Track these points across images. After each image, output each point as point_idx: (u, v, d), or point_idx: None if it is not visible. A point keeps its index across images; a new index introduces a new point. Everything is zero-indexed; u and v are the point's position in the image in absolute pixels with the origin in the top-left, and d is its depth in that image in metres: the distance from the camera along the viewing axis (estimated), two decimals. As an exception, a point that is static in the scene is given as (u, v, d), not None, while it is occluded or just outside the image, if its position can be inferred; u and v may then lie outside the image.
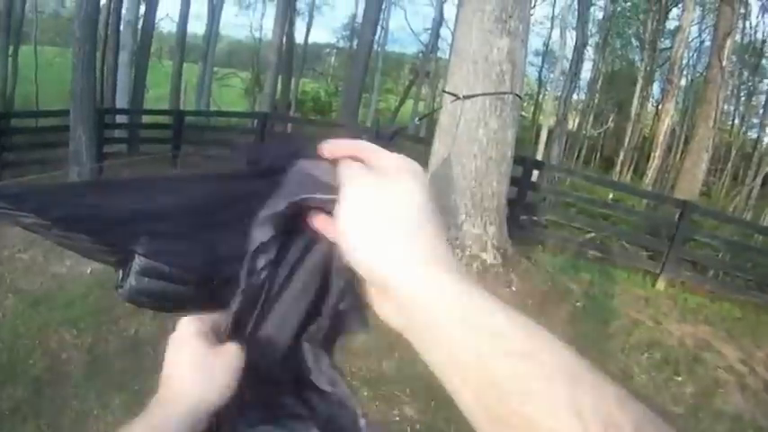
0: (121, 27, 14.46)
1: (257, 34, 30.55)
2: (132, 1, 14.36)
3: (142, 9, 15.32)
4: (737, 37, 19.23)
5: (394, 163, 0.58)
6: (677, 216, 8.19)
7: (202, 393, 0.69)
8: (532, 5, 27.26)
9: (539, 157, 13.38)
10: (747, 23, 21.85)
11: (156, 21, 18.11)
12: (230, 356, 0.71)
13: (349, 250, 0.54)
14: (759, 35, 23.55)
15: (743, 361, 6.07)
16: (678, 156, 17.07)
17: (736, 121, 25.78)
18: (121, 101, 13.90)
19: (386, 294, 0.53)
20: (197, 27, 54.61)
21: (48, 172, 7.90)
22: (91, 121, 8.99)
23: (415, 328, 0.50)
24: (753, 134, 25.23)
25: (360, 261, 0.53)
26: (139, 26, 15.07)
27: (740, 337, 6.72)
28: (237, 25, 63.60)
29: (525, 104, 30.73)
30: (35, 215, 2.22)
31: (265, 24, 30.38)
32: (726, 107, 21.99)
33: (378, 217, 0.53)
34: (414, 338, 0.51)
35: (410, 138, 12.30)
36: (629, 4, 25.72)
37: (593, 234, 9.37)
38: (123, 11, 14.56)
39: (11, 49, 17.03)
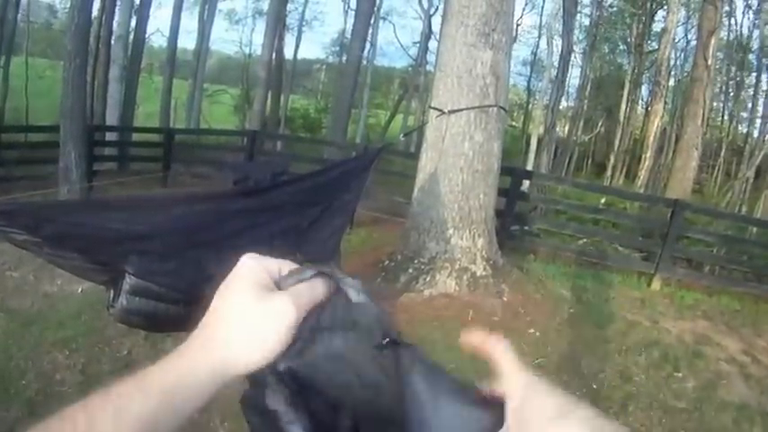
0: (112, 41, 14.44)
1: (247, 50, 30.67)
2: (124, 14, 14.41)
3: (133, 23, 15.33)
4: (723, 34, 19.47)
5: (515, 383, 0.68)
6: (669, 215, 8.25)
7: (247, 350, 0.61)
8: (519, 15, 27.68)
9: (529, 166, 13.48)
10: (732, 20, 22.06)
11: (147, 35, 18.08)
12: (285, 310, 0.62)
13: None
14: (744, 30, 23.73)
15: (744, 351, 6.14)
16: (669, 156, 17.16)
17: (726, 117, 25.97)
18: (112, 117, 13.88)
19: None
20: (187, 42, 54.65)
21: (37, 189, 7.90)
22: (81, 138, 8.93)
23: None
24: (743, 129, 25.42)
25: None
26: (130, 40, 15.09)
27: (740, 328, 6.81)
28: (227, 41, 63.61)
29: (515, 114, 30.90)
30: (27, 232, 2.28)
31: (255, 40, 30.45)
32: (715, 104, 22.17)
33: None
34: None
35: (400, 153, 12.36)
36: (614, 8, 25.94)
37: (585, 240, 9.45)
38: (114, 24, 14.54)
39: (2, 59, 16.98)
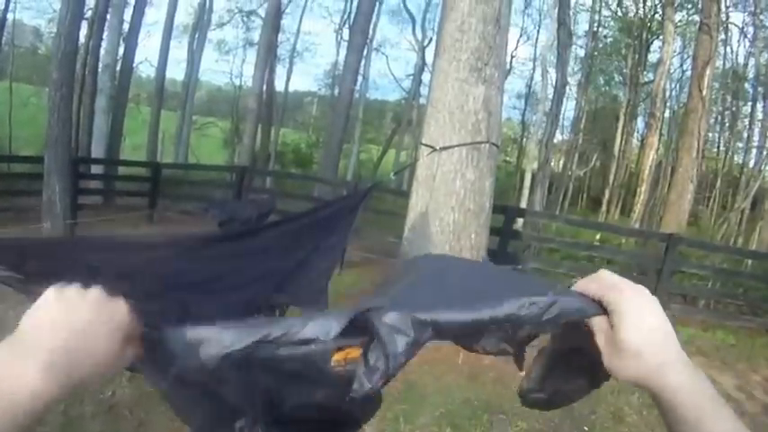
0: (99, 69, 14.33)
1: (237, 81, 30.73)
2: (112, 42, 14.30)
3: (121, 51, 15.24)
4: (719, 63, 19.57)
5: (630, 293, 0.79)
6: (663, 250, 8.22)
7: (76, 354, 0.62)
8: (514, 47, 27.95)
9: (523, 202, 13.44)
10: (728, 49, 22.21)
11: (135, 64, 17.99)
12: (119, 315, 0.68)
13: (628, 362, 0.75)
14: (740, 59, 23.88)
15: (739, 387, 6.08)
16: (665, 188, 17.20)
17: (722, 148, 26.03)
18: (98, 149, 13.69)
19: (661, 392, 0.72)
20: (176, 72, 54.80)
21: (20, 222, 7.75)
22: (65, 171, 8.79)
23: (679, 408, 0.69)
24: (739, 159, 25.42)
25: (640, 371, 0.74)
26: (118, 69, 15.00)
27: (735, 363, 6.76)
28: (217, 71, 63.76)
29: (509, 149, 30.93)
30: (9, 269, 2.13)
31: (246, 71, 30.52)
32: (711, 135, 22.27)
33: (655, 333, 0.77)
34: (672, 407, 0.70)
35: (391, 191, 12.30)
36: (609, 39, 26.21)
37: (579, 278, 9.35)
38: (102, 52, 14.38)
39: (-13, 84, 16.82)
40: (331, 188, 11.75)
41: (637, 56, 23.67)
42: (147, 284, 2.99)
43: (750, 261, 11.00)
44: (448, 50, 6.20)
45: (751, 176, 17.20)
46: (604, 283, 0.82)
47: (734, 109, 24.25)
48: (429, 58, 23.28)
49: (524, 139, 29.02)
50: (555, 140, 19.00)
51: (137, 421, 4.08)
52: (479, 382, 5.37)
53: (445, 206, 6.19)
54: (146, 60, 31.70)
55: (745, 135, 24.14)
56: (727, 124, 24.90)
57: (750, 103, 23.39)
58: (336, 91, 20.22)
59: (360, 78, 19.74)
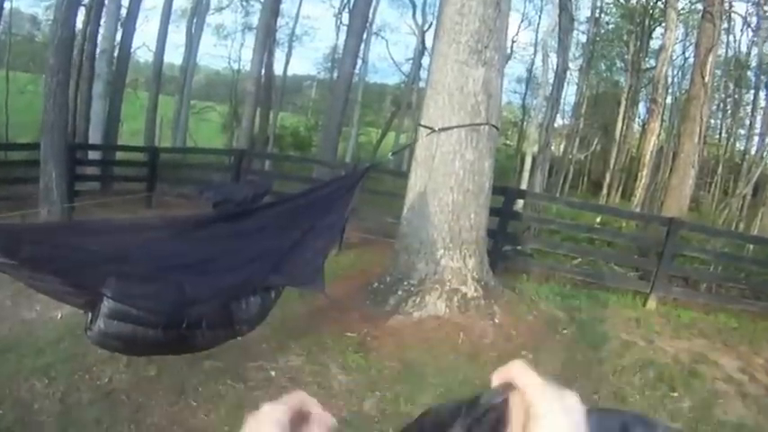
0: (97, 55, 14.19)
1: (236, 65, 30.45)
2: (109, 27, 14.14)
3: (118, 36, 15.09)
4: (722, 51, 19.46)
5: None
6: (665, 234, 8.16)
7: None
8: (515, 32, 27.81)
9: (523, 184, 13.40)
10: (731, 37, 21.98)
11: (133, 49, 17.83)
12: None
13: None
14: (743, 47, 23.67)
15: (742, 369, 6.06)
16: (666, 173, 17.12)
17: (723, 134, 25.78)
18: (95, 135, 13.54)
19: None
20: (174, 57, 54.48)
21: (16, 209, 7.73)
22: (62, 157, 8.73)
23: None
24: (741, 145, 25.20)
25: None
26: (115, 54, 14.87)
27: (737, 345, 6.74)
28: (216, 56, 63.14)
29: (510, 132, 30.82)
30: (4, 255, 2.15)
31: (244, 55, 30.22)
32: (712, 121, 22.12)
33: None
34: None
35: (390, 172, 12.26)
36: (611, 26, 26.01)
37: (579, 259, 9.35)
38: (99, 37, 14.19)
39: (-16, 72, 16.62)
40: (330, 170, 11.67)
41: (639, 42, 23.46)
42: (143, 266, 2.99)
43: (752, 246, 10.96)
44: (448, 33, 6.19)
45: (753, 163, 17.12)
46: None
47: (736, 96, 24.09)
48: (429, 42, 23.11)
49: (525, 123, 28.83)
50: (555, 124, 18.91)
51: (134, 406, 4.06)
52: (479, 362, 5.36)
53: (444, 186, 6.18)
54: (143, 45, 31.42)
55: (748, 122, 23.99)
56: (729, 111, 24.75)
57: (753, 91, 23.23)
58: (335, 75, 20.10)
59: (359, 62, 19.61)
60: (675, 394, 5.31)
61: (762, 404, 5.32)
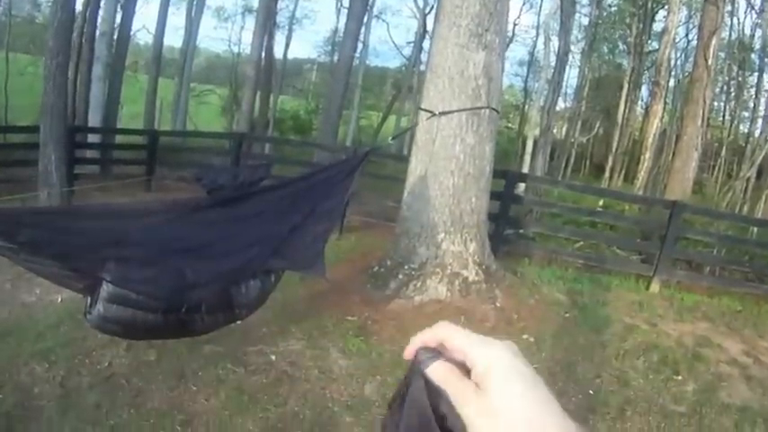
0: (96, 37, 14.10)
1: (236, 48, 30.38)
2: (109, 10, 14.07)
3: (118, 19, 14.99)
4: (725, 34, 19.30)
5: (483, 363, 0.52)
6: (667, 217, 8.11)
7: None
8: (517, 15, 27.60)
9: (525, 168, 13.35)
10: (735, 20, 21.86)
11: (132, 32, 17.73)
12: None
13: None
14: (746, 30, 23.56)
15: (746, 352, 6.05)
16: (669, 157, 17.02)
17: (727, 117, 25.70)
18: (94, 118, 13.51)
19: None
20: (174, 40, 54.13)
21: (15, 192, 7.72)
22: (62, 140, 8.71)
23: None
24: (744, 128, 25.10)
25: None
26: (115, 37, 14.78)
27: (741, 329, 6.73)
28: (216, 39, 62.96)
29: (511, 115, 30.71)
30: (3, 238, 2.13)
31: (244, 38, 30.16)
32: (716, 104, 22.01)
33: None
34: None
35: (390, 156, 12.25)
36: (614, 8, 25.79)
37: (582, 243, 9.32)
38: (99, 20, 14.12)
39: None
40: (330, 154, 11.64)
41: (641, 25, 23.27)
42: (142, 251, 2.98)
43: (756, 229, 10.87)
44: (448, 16, 6.14)
45: (757, 146, 16.98)
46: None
47: (740, 79, 23.96)
48: (430, 25, 22.93)
49: (526, 106, 28.72)
50: (557, 108, 18.81)
51: (134, 390, 4.05)
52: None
53: (445, 170, 6.15)
54: (143, 28, 31.18)
55: (751, 105, 23.84)
56: (732, 94, 24.62)
57: (756, 74, 23.10)
58: (336, 58, 19.98)
59: (360, 45, 19.51)
60: (679, 378, 5.30)
61: (766, 387, 5.31)
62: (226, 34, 52.99)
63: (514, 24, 25.95)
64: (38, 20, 25.55)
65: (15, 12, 21.93)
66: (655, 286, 7.85)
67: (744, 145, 22.11)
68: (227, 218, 3.12)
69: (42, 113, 8.66)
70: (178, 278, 2.87)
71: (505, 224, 8.42)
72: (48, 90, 8.49)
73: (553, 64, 15.58)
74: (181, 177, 10.74)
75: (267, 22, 17.50)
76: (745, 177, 14.84)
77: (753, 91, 23.68)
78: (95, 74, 13.69)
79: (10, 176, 9.32)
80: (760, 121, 20.75)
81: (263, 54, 18.75)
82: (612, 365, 5.41)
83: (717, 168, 23.07)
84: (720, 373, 5.51)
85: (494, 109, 6.30)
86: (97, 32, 14.06)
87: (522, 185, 10.22)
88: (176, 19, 51.39)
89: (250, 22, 27.56)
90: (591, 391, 4.89)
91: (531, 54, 29.51)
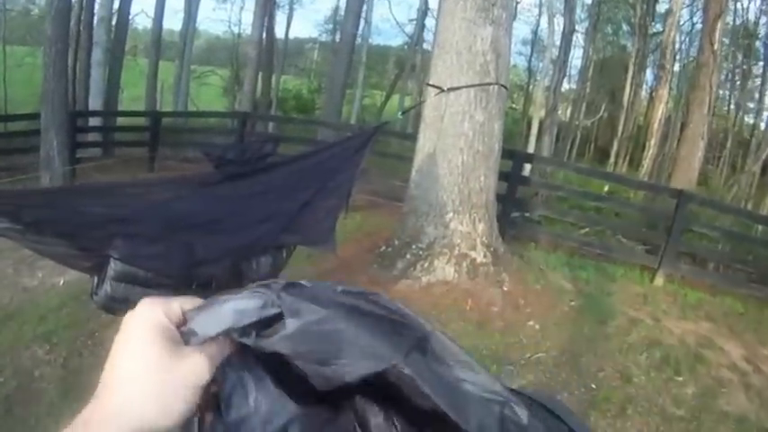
0: (95, 23, 14.02)
1: (236, 29, 30.13)
2: (106, -5, 14.04)
3: (116, 4, 14.90)
4: (729, 19, 19.10)
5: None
6: (674, 206, 7.95)
7: (153, 416, 0.53)
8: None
9: (530, 149, 13.24)
10: (739, 4, 21.62)
11: (131, 16, 17.63)
12: (197, 368, 0.56)
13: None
14: (751, 16, 23.22)
15: (746, 358, 5.92)
16: (674, 144, 16.86)
17: (732, 107, 25.48)
18: (95, 102, 13.51)
19: None
20: (173, 23, 53.81)
21: (18, 180, 7.68)
22: (63, 125, 8.76)
23: None
24: (750, 119, 24.96)
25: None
26: (113, 22, 14.68)
27: (743, 333, 6.59)
28: (215, 20, 62.66)
29: (515, 96, 30.46)
30: (8, 220, 2.02)
31: (244, 18, 29.93)
32: (721, 92, 21.77)
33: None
34: None
35: (397, 134, 12.14)
36: (617, -14, 25.54)
37: (587, 229, 9.23)
38: (96, 5, 14.06)
39: (-21, 48, 16.45)
40: (334, 132, 11.56)
41: (645, 5, 23.01)
42: (150, 227, 2.92)
43: (760, 227, 10.72)
44: (454, -9, 6.02)
45: (762, 139, 16.82)
46: None
47: (745, 67, 23.75)
48: (432, 2, 22.74)
49: (531, 86, 28.49)
50: (562, 89, 18.65)
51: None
52: (487, 331, 5.31)
53: (453, 148, 6.06)
54: (142, 12, 30.89)
55: (756, 95, 23.64)
56: (738, 83, 24.36)
57: (762, 63, 22.90)
58: (338, 37, 19.82)
59: (362, 23, 19.29)
60: (680, 379, 5.23)
61: (764, 398, 5.21)
62: (225, 15, 52.96)
63: (517, 2, 25.70)
64: (33, 12, 25.46)
65: (10, 6, 21.89)
66: (659, 279, 7.71)
67: (749, 137, 21.97)
68: (236, 193, 3.06)
69: (43, 100, 8.74)
70: (188, 254, 2.81)
71: (512, 206, 8.31)
72: (48, 77, 8.60)
73: (558, 43, 15.44)
74: (185, 158, 10.68)
75: (267, 2, 17.40)
76: (750, 171, 14.68)
77: (758, 81, 23.52)
78: (95, 59, 13.69)
79: (10, 164, 9.31)
80: (765, 113, 20.58)
81: (264, 34, 18.61)
82: (616, 359, 5.35)
83: (722, 160, 22.93)
84: (721, 377, 5.41)
85: (503, 86, 6.20)
86: (95, 18, 13.98)
87: (527, 167, 10.10)
88: (175, 2, 51.25)
89: (250, 3, 27.34)
90: (593, 386, 4.85)
91: (535, 33, 29.28)
